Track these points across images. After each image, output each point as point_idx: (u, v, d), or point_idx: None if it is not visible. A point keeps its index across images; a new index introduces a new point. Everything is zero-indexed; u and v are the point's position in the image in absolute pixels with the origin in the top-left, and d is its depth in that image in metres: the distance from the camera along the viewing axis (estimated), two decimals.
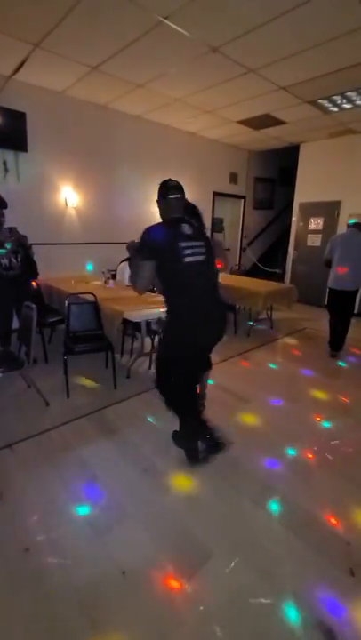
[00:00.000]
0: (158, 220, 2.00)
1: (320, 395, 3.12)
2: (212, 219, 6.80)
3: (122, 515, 1.77)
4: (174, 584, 1.44)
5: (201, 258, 1.88)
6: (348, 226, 3.99)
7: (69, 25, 2.79)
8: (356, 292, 3.94)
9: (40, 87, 4.13)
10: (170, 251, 1.82)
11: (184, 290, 1.89)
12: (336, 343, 4.05)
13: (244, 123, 5.20)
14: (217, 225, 7.00)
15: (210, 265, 1.96)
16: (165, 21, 2.69)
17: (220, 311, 2.04)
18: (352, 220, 4.09)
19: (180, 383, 2.05)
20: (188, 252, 1.83)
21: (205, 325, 1.95)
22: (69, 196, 4.68)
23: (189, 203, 2.02)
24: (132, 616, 1.33)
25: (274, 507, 1.85)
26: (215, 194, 6.66)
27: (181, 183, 2.01)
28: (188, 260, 1.83)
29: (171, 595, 1.40)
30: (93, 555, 1.56)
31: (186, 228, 1.89)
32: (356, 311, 4.11)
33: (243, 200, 7.36)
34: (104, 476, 2.03)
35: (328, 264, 4.01)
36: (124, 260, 4.43)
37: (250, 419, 2.70)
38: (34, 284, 3.69)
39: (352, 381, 3.47)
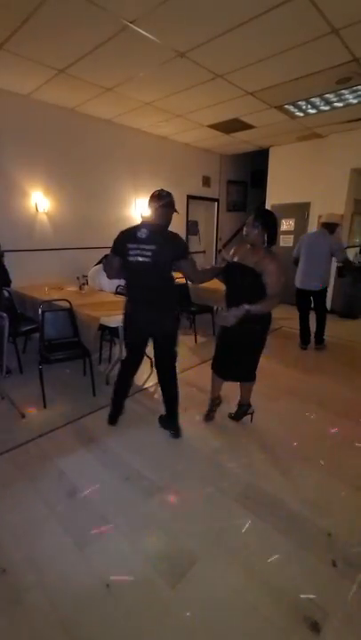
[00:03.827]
0: (130, 223, 2.24)
1: (298, 388, 3.19)
2: (187, 222, 6.85)
3: (104, 525, 1.72)
4: (160, 592, 1.42)
5: (147, 259, 2.14)
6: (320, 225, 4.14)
7: (33, 27, 2.74)
8: (325, 290, 4.07)
9: (4, 90, 4.02)
10: (121, 249, 2.20)
11: (131, 284, 2.31)
12: (306, 337, 4.23)
13: (215, 127, 5.28)
14: (192, 228, 7.05)
15: (156, 267, 2.16)
16: (131, 26, 2.69)
17: (160, 308, 2.27)
18: None
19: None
20: (133, 252, 2.16)
21: (145, 317, 2.28)
22: (40, 202, 4.57)
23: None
24: (119, 630, 1.30)
25: (255, 504, 1.86)
26: (189, 197, 6.72)
27: (155, 187, 2.16)
28: (131, 259, 2.17)
29: (157, 603, 1.38)
30: (75, 569, 1.51)
31: (141, 233, 2.16)
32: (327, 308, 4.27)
33: (216, 203, 7.45)
34: (84, 486, 1.98)
35: (297, 262, 4.14)
36: (98, 264, 4.39)
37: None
38: (5, 292, 3.57)
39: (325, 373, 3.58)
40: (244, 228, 2.24)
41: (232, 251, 2.36)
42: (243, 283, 2.20)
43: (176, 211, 2.27)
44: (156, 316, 2.27)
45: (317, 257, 3.92)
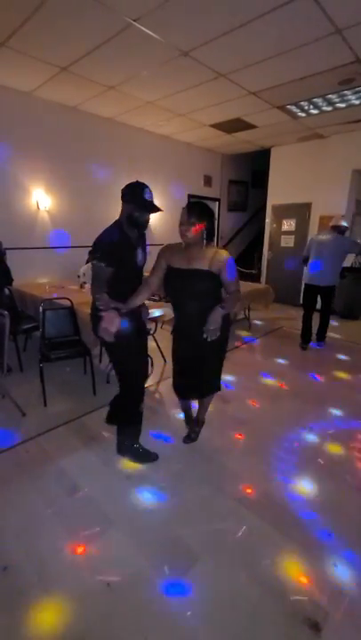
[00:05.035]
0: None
1: (298, 389, 3.20)
2: None
3: (105, 524, 1.73)
4: (162, 591, 1.42)
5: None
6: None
7: (36, 24, 2.73)
8: (333, 287, 4.15)
9: (6, 87, 4.01)
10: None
11: None
12: (307, 337, 4.29)
13: (217, 126, 5.28)
14: None
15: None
16: (135, 24, 2.68)
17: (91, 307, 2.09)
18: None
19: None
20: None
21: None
22: (41, 199, 4.56)
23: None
24: (119, 629, 1.30)
25: (255, 504, 1.86)
26: (190, 196, 6.70)
27: (156, 186, 2.06)
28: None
29: (159, 603, 1.38)
30: (76, 568, 1.51)
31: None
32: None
33: (217, 202, 7.45)
34: (85, 485, 1.98)
35: (306, 261, 4.24)
36: (88, 262, 4.43)
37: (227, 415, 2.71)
38: (6, 290, 3.56)
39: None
40: (179, 228, 1.96)
41: (165, 256, 2.06)
42: (200, 289, 1.95)
43: (155, 209, 2.02)
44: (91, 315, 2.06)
45: (326, 256, 4.03)
